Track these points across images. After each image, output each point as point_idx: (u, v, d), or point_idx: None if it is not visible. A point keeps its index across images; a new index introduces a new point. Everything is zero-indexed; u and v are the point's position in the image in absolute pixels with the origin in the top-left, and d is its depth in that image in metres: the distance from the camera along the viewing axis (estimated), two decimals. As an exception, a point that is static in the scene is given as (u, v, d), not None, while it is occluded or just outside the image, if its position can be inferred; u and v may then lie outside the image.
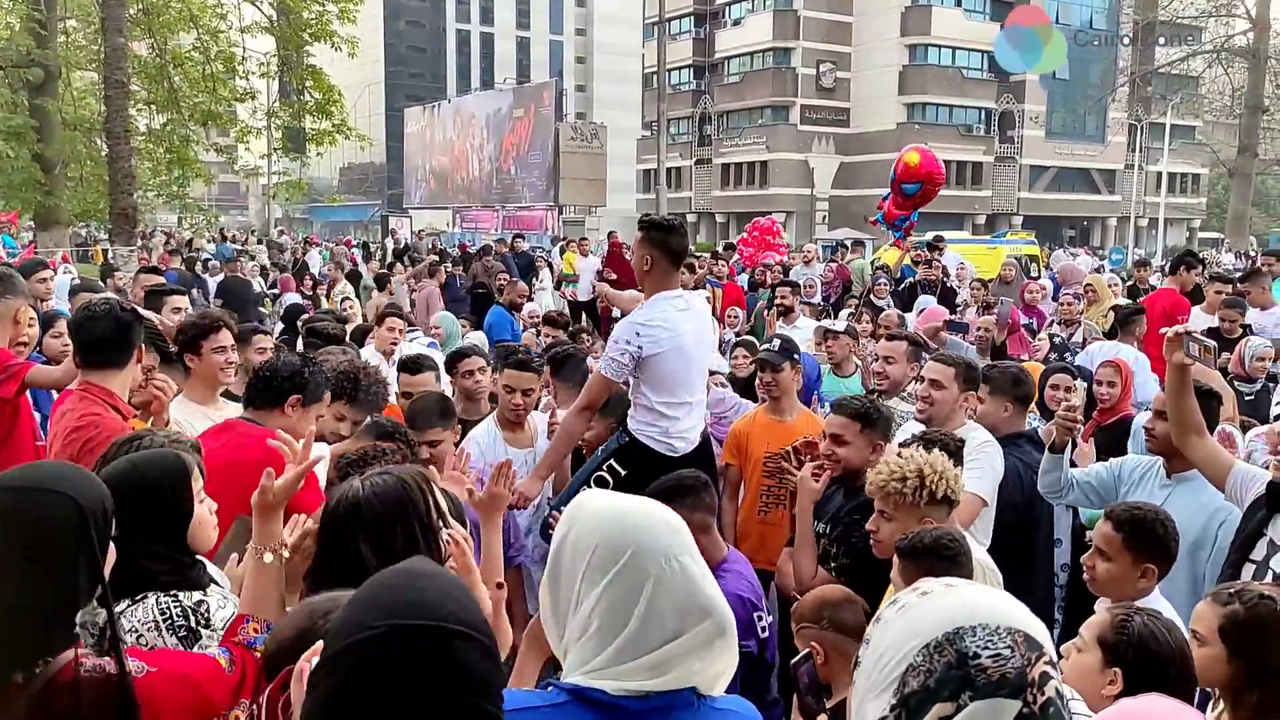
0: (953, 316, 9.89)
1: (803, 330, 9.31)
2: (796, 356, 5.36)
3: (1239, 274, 10.28)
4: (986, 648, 1.15)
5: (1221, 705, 2.78)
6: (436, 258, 19.51)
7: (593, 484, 4.44)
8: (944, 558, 2.91)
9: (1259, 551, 3.66)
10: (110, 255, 16.78)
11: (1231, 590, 2.72)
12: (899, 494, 3.29)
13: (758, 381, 5.32)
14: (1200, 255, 11.74)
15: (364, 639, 1.26)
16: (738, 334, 9.81)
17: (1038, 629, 1.20)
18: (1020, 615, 1.20)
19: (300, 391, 3.62)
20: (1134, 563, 3.17)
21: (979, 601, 1.22)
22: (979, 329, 8.37)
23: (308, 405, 3.65)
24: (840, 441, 4.06)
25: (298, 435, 3.49)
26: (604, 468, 4.53)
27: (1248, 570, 3.69)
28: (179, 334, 4.42)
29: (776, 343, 5.49)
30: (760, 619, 3.57)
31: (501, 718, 1.35)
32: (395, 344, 7.42)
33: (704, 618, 1.71)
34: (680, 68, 66.34)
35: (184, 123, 18.28)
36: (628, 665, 1.68)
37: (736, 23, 65.87)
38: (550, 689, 1.76)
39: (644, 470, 4.23)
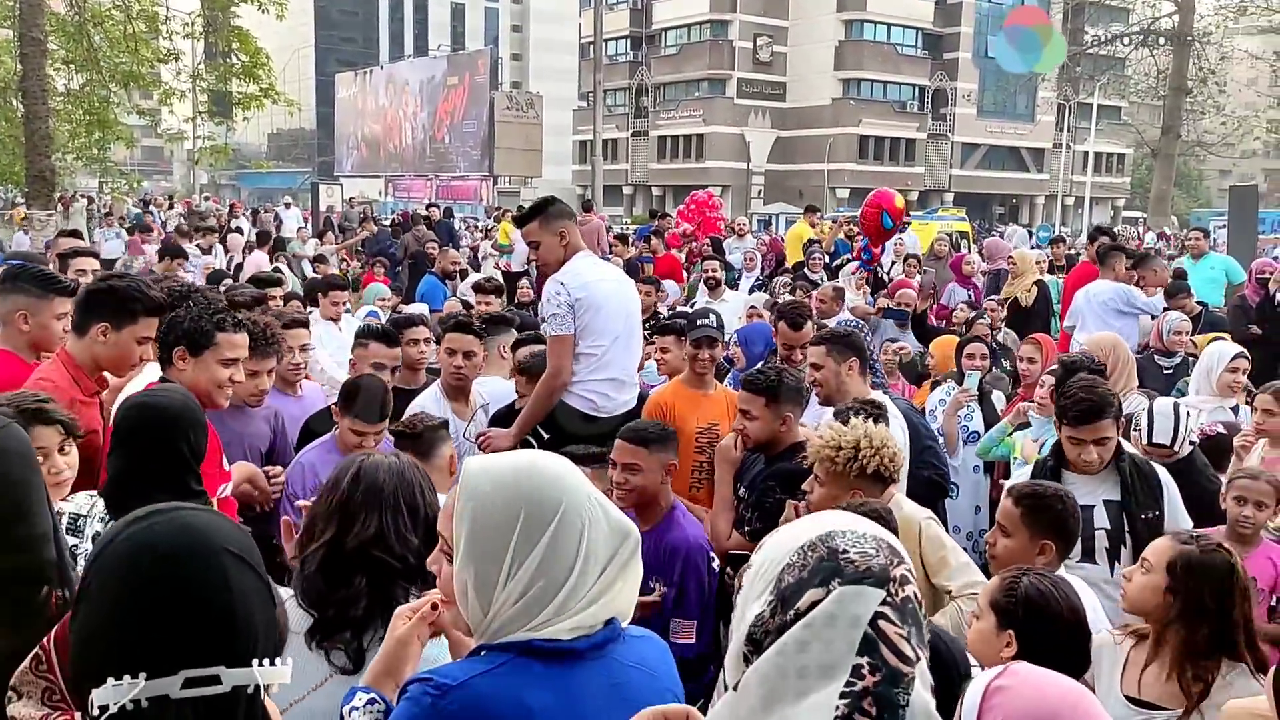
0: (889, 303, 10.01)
1: (730, 303, 9.34)
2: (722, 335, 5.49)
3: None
4: (854, 545, 1.26)
5: (1127, 642, 2.92)
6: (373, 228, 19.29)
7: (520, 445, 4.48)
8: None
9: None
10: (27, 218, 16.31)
11: (1194, 535, 2.91)
12: (830, 461, 3.33)
13: (690, 356, 5.30)
14: (1115, 231, 11.99)
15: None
16: (670, 308, 9.75)
17: (900, 544, 1.31)
18: (883, 531, 1.32)
19: (182, 342, 3.53)
20: (1031, 538, 3.18)
21: (847, 516, 1.35)
22: (899, 304, 8.48)
23: (198, 354, 3.53)
24: (748, 416, 4.14)
25: (200, 389, 3.45)
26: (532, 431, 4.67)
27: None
28: None
29: (713, 319, 5.52)
30: (712, 559, 3.79)
31: None
32: (338, 315, 7.51)
33: (624, 537, 1.79)
34: (617, 38, 65.96)
35: (104, 83, 17.70)
36: (576, 609, 1.73)
37: (674, -7, 65.72)
38: (484, 654, 1.75)
39: (566, 431, 4.54)
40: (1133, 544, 3.87)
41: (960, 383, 6.27)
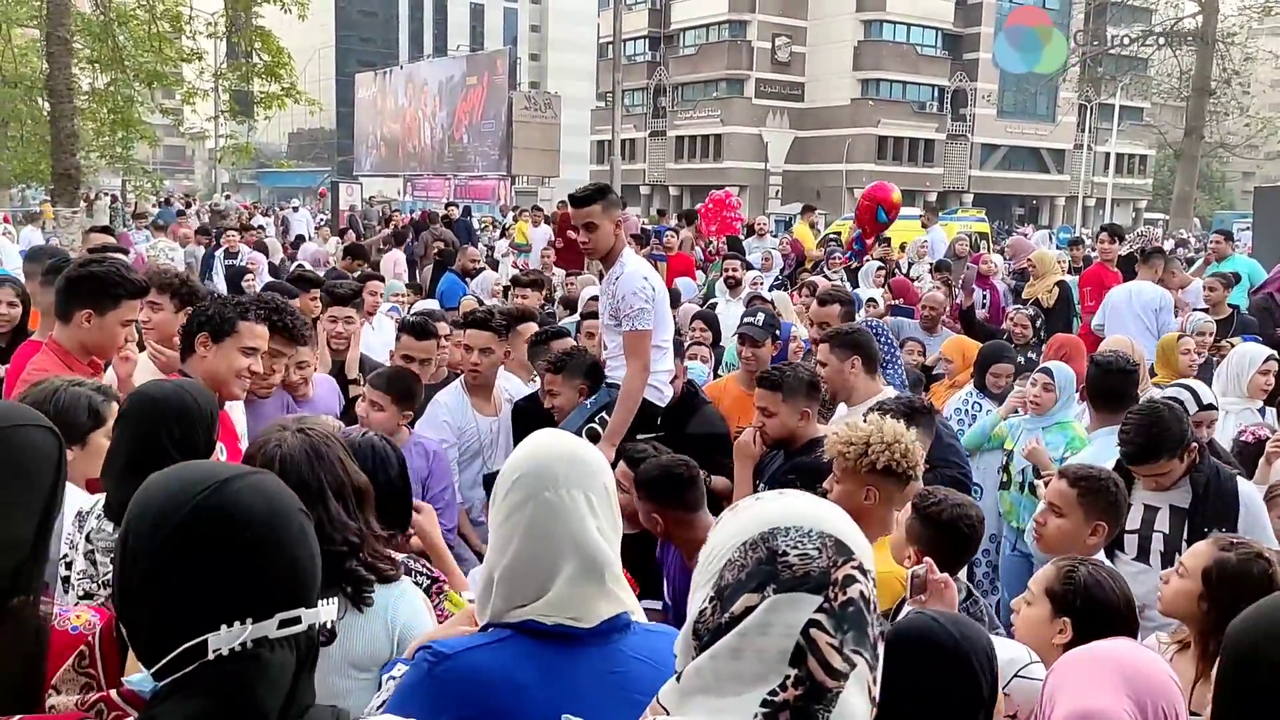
0: (895, 301, 9.99)
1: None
2: (778, 332, 5.46)
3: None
4: (795, 547, 1.22)
5: (1170, 650, 2.90)
6: (388, 227, 19.39)
7: (584, 435, 4.48)
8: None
9: (1133, 521, 3.81)
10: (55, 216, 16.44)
11: (1233, 540, 2.84)
12: (842, 457, 3.33)
13: (739, 354, 5.32)
14: (1123, 229, 11.94)
15: None
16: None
17: (853, 536, 1.27)
18: (837, 522, 1.27)
19: (206, 328, 3.55)
20: (1086, 519, 3.25)
21: (799, 506, 1.29)
22: (925, 306, 8.42)
23: (219, 340, 3.55)
24: (767, 413, 4.15)
25: (219, 377, 3.54)
26: (596, 420, 4.67)
27: (1130, 541, 3.84)
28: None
29: (761, 317, 5.52)
30: None
31: None
32: (376, 307, 7.51)
33: (571, 556, 1.82)
34: (635, 38, 65.95)
35: (128, 83, 17.84)
36: (541, 603, 1.82)
37: (693, -6, 65.68)
38: (489, 630, 1.86)
39: (635, 420, 4.59)
40: None
41: (981, 388, 6.24)
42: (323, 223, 23.71)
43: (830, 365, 4.54)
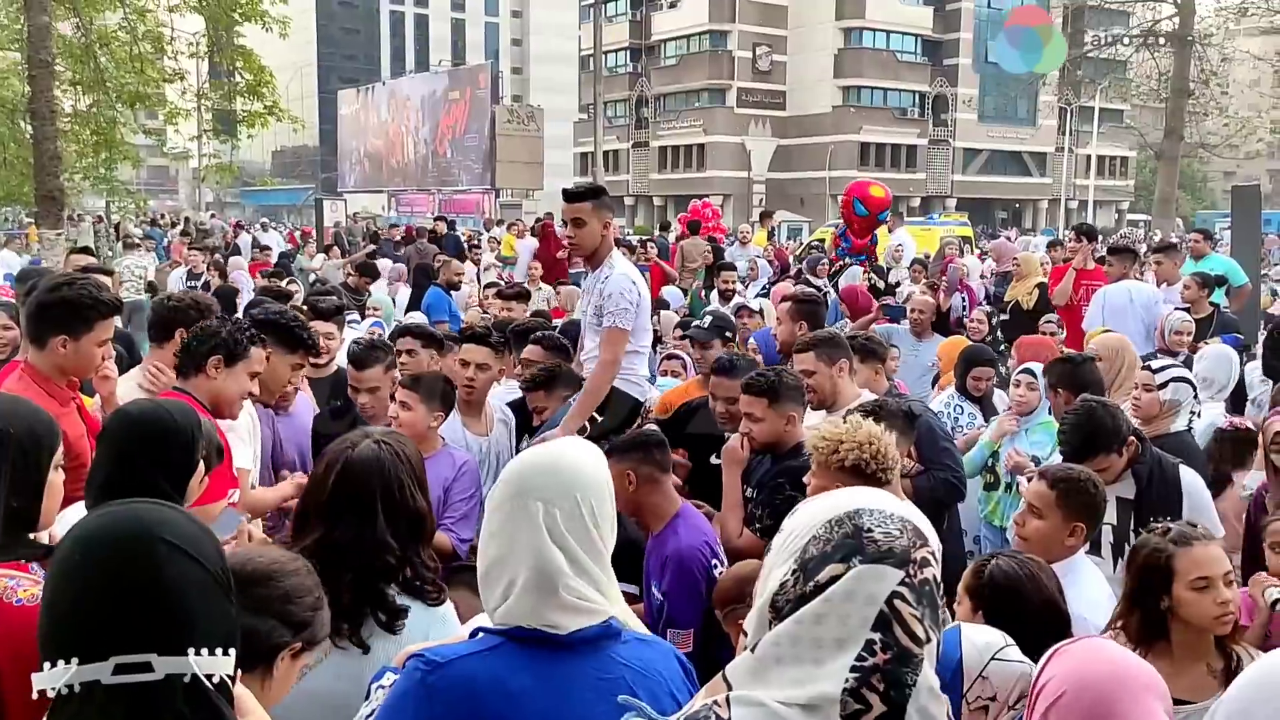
0: (889, 299, 10.02)
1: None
2: (729, 334, 5.47)
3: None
4: (879, 525, 1.30)
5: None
6: (372, 244, 19.37)
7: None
8: None
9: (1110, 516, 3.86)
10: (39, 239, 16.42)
11: (1171, 528, 2.86)
12: (818, 452, 3.34)
13: (695, 359, 5.37)
14: (1096, 229, 11.99)
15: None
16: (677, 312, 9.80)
17: (927, 527, 1.35)
18: (912, 512, 1.36)
19: (220, 352, 3.61)
20: (1064, 520, 3.28)
21: (879, 495, 1.39)
22: (914, 311, 8.40)
23: (232, 365, 3.62)
24: (753, 419, 4.16)
25: (227, 398, 3.62)
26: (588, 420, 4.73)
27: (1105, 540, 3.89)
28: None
29: (708, 319, 5.56)
30: (716, 567, 3.64)
31: None
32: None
33: (524, 566, 1.85)
34: (617, 50, 66.13)
35: (111, 104, 17.76)
36: (502, 609, 1.86)
37: (673, 5, 65.84)
38: (481, 636, 1.89)
39: (621, 415, 4.71)
40: None
41: (962, 391, 6.28)
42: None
43: (820, 373, 4.52)
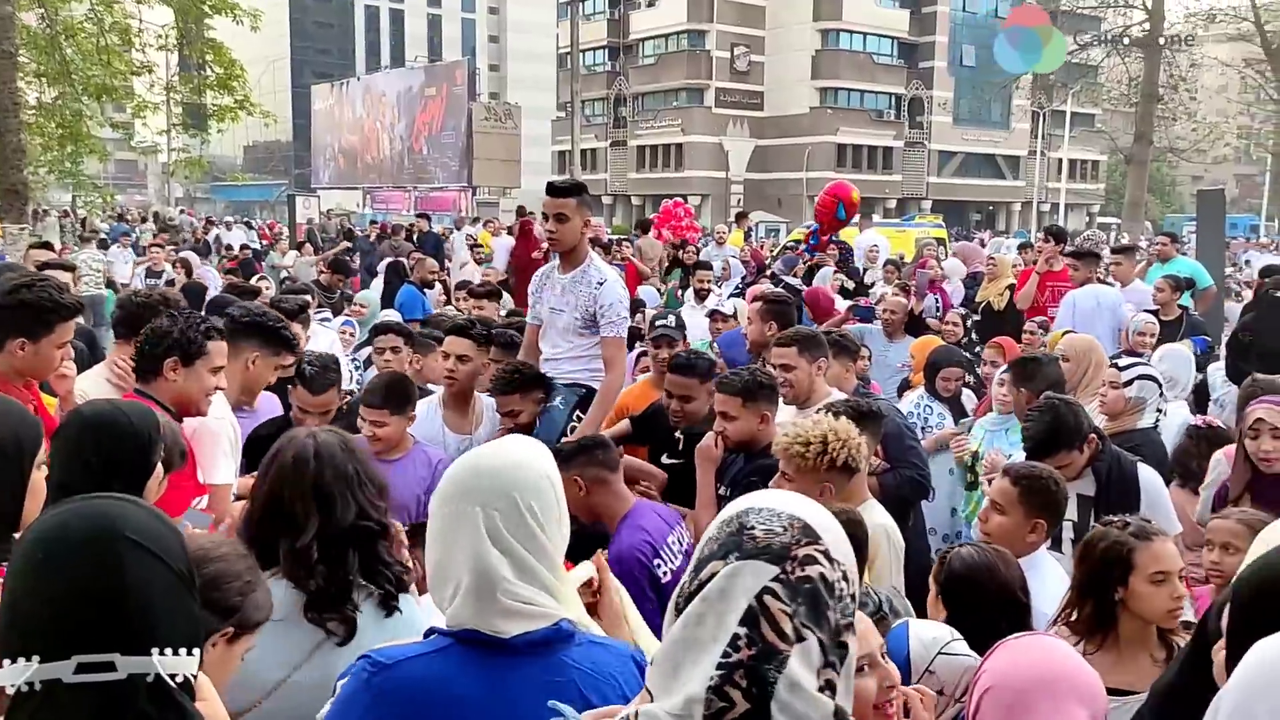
0: (856, 300, 10.01)
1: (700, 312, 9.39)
2: (685, 336, 5.51)
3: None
4: (763, 523, 1.29)
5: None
6: (346, 241, 19.27)
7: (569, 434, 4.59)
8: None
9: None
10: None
11: (1130, 521, 2.89)
12: (800, 458, 3.37)
13: (651, 356, 5.33)
14: (1067, 231, 12.10)
15: None
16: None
17: (827, 526, 1.31)
18: (811, 511, 1.32)
19: (175, 353, 3.50)
20: (1026, 516, 3.36)
21: (776, 495, 1.37)
22: (886, 311, 8.41)
23: (189, 364, 3.52)
24: (727, 418, 4.14)
25: (190, 398, 3.54)
26: (575, 418, 4.75)
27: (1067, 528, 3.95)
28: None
29: (673, 319, 5.54)
30: (659, 567, 3.56)
31: None
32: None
33: (465, 571, 1.84)
34: (595, 49, 66.08)
35: (77, 96, 17.59)
36: (449, 613, 1.86)
37: (651, 4, 65.92)
38: (433, 637, 1.89)
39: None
40: None
41: (932, 392, 6.28)
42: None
43: (799, 369, 4.53)
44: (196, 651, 1.35)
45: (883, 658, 2.14)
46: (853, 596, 1.28)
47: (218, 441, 3.69)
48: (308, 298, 7.49)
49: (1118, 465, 4.05)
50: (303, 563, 2.38)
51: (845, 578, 1.28)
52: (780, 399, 4.35)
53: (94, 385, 3.99)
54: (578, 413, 4.74)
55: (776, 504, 1.32)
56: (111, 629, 1.26)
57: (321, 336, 6.81)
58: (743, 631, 1.21)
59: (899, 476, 4.44)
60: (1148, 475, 4.10)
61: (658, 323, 5.55)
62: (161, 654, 1.28)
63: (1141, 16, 28.16)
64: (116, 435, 2.57)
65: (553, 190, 4.86)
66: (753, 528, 1.28)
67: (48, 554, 1.29)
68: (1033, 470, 3.48)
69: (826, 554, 1.27)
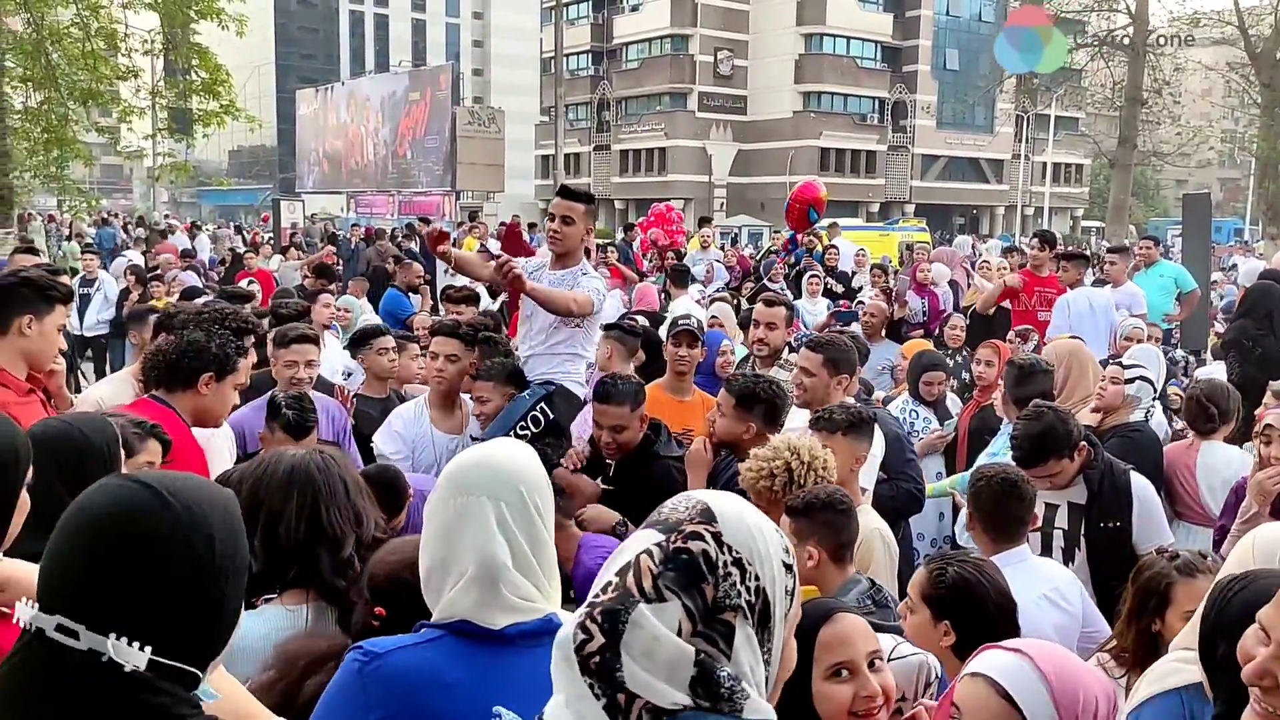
0: (842, 306, 10.08)
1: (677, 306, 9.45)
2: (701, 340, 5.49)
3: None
4: (672, 505, 1.40)
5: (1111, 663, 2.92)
6: (330, 245, 19.19)
7: (517, 431, 4.56)
8: (840, 511, 2.98)
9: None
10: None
11: (1180, 554, 2.84)
12: (769, 490, 3.27)
13: (669, 354, 5.29)
14: (1055, 235, 12.14)
15: None
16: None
17: (729, 517, 1.37)
18: (720, 502, 1.39)
19: (212, 369, 3.61)
20: (830, 375, 3.71)
21: (702, 491, 1.51)
22: (866, 314, 8.45)
23: (221, 379, 3.63)
24: (720, 411, 4.18)
25: (215, 413, 3.66)
26: (539, 409, 4.70)
27: (1033, 539, 3.88)
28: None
29: (694, 320, 5.55)
30: None
31: None
32: (331, 319, 7.75)
33: (469, 562, 1.87)
34: (578, 53, 66.08)
35: (63, 101, 17.53)
36: (445, 602, 1.88)
37: (634, 8, 65.88)
38: (423, 629, 1.91)
39: (565, 413, 4.79)
40: (1088, 549, 3.97)
41: (916, 396, 6.32)
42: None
43: (819, 378, 4.49)
44: (148, 651, 1.37)
45: (874, 670, 2.15)
46: (755, 590, 1.33)
47: (223, 453, 3.75)
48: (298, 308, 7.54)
49: (1110, 474, 4.02)
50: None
51: (738, 565, 1.32)
52: (785, 410, 4.31)
53: (114, 392, 4.05)
54: (542, 405, 4.70)
55: (693, 495, 1.42)
56: (88, 602, 1.35)
57: (334, 349, 6.85)
58: (614, 580, 1.32)
59: (896, 489, 4.46)
60: (1140, 484, 4.08)
61: (679, 320, 5.54)
62: (117, 640, 1.35)
63: (1126, 20, 28.30)
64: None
65: (565, 193, 4.88)
66: (664, 508, 1.40)
67: (77, 513, 1.39)
68: (984, 472, 3.56)
69: (717, 536, 1.33)
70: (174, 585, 1.38)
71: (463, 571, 1.86)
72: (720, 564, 1.31)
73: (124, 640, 1.35)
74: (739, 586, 1.31)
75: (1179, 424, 5.66)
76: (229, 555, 1.44)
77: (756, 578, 1.33)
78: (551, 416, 4.70)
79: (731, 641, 1.30)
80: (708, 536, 1.33)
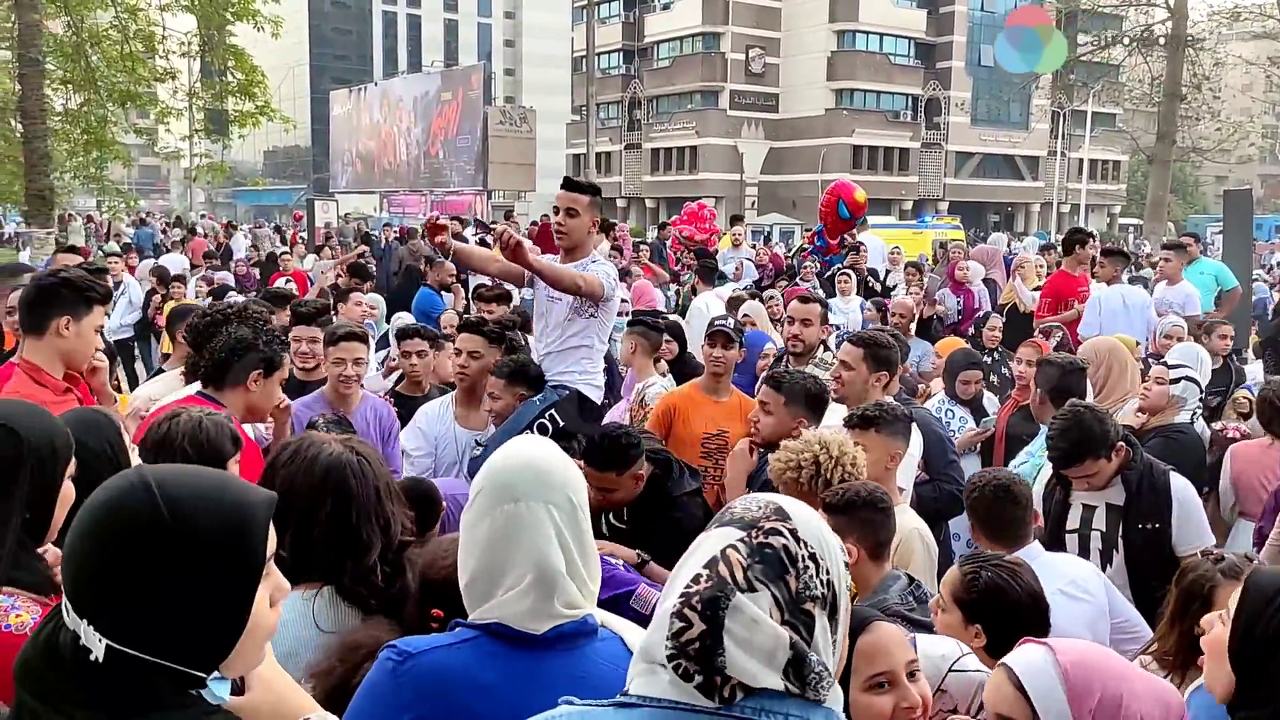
0: (880, 298, 10.02)
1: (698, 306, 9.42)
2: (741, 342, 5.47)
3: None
4: (743, 504, 1.49)
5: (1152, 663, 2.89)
6: (364, 245, 19.30)
7: (535, 430, 4.46)
8: (879, 509, 2.97)
9: (1073, 520, 3.97)
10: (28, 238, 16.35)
11: (1226, 556, 2.83)
12: (794, 482, 3.29)
13: (705, 355, 5.27)
14: (1091, 231, 12.01)
15: None
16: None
17: (803, 516, 1.46)
18: (791, 503, 1.48)
19: (261, 366, 3.68)
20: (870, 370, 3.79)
21: (770, 494, 1.56)
22: (894, 314, 8.38)
23: (269, 376, 3.71)
24: (765, 410, 4.16)
25: (263, 409, 3.73)
26: (547, 416, 4.59)
27: (1071, 540, 3.95)
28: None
29: (731, 321, 5.53)
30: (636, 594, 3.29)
31: None
32: (364, 316, 7.79)
33: (527, 569, 1.85)
34: (609, 52, 66.13)
35: (102, 103, 17.69)
36: (493, 604, 1.86)
37: (665, 7, 65.89)
38: (457, 629, 1.89)
39: (580, 420, 4.65)
40: (1126, 551, 3.92)
41: (952, 395, 6.27)
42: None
43: (858, 373, 4.48)
44: (91, 628, 1.38)
45: (912, 679, 2.13)
46: (827, 583, 1.41)
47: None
48: (326, 301, 7.65)
49: (1149, 474, 3.94)
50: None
51: (813, 559, 1.41)
52: (827, 404, 4.31)
53: (166, 388, 4.16)
54: (552, 412, 4.61)
55: (763, 496, 1.51)
56: (76, 585, 1.37)
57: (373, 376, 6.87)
58: (704, 572, 1.40)
59: (938, 490, 4.45)
60: (1180, 485, 3.98)
61: (715, 321, 5.52)
62: (88, 626, 1.36)
63: (1164, 15, 27.93)
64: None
65: (568, 184, 4.85)
66: (734, 508, 1.49)
67: (94, 497, 1.41)
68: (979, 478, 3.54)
69: (794, 532, 1.43)
70: (156, 581, 1.36)
71: (519, 578, 1.84)
72: (799, 557, 1.40)
73: (91, 628, 1.36)
74: (816, 579, 1.40)
75: (1218, 425, 5.58)
76: (224, 552, 1.40)
77: (828, 571, 1.42)
78: (560, 424, 4.58)
79: (813, 630, 1.38)
80: (785, 532, 1.42)
